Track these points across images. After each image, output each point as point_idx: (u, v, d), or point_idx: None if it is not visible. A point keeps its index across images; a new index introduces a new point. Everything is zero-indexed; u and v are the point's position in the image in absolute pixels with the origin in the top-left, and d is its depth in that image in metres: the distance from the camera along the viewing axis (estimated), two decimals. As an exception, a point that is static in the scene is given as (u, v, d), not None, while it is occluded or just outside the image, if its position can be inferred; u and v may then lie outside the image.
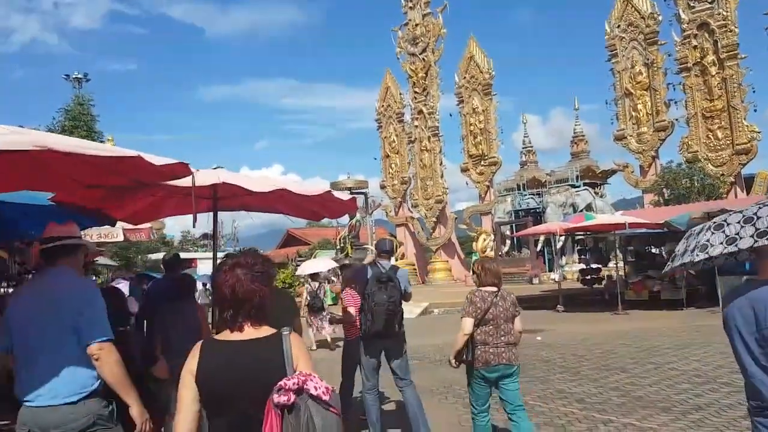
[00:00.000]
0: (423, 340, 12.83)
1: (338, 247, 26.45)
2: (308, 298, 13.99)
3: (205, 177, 4.57)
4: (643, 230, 17.76)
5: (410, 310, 19.08)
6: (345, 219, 32.94)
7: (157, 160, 3.21)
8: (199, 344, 2.33)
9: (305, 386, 2.08)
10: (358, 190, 30.18)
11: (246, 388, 2.18)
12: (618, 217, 16.73)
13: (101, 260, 29.74)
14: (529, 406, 6.82)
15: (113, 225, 5.56)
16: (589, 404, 6.69)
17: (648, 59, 27.20)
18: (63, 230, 3.41)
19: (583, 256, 19.92)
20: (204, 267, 39.84)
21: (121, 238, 8.89)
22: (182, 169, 3.48)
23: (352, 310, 6.37)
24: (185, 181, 4.56)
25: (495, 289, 4.90)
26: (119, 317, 4.04)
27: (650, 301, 17.62)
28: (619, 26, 28.13)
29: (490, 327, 4.79)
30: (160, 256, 42.72)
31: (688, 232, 2.41)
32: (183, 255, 43.02)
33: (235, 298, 2.30)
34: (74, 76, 31.50)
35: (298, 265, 36.15)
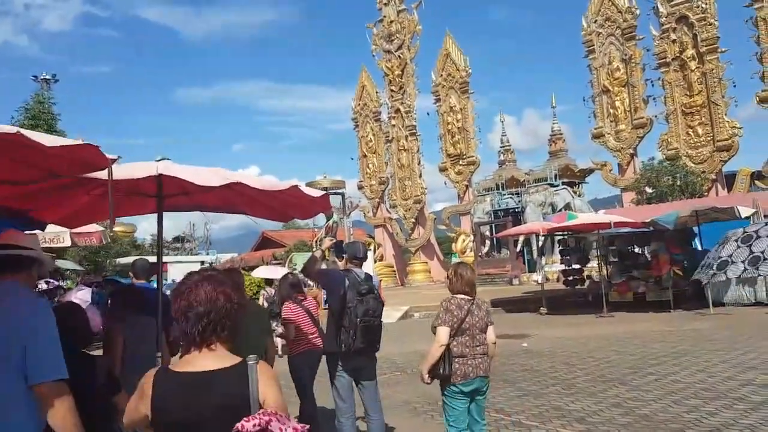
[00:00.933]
0: (404, 347, 12.11)
1: (314, 249, 25.59)
2: (265, 303, 14.07)
3: (140, 169, 3.77)
4: (627, 229, 17.24)
5: (390, 315, 18.34)
6: (322, 220, 32.20)
7: (49, 140, 2.41)
8: (151, 375, 2.04)
9: (269, 428, 1.80)
10: (335, 191, 29.39)
11: (206, 430, 1.94)
12: (602, 216, 16.17)
13: (69, 264, 28.58)
14: (525, 426, 6.12)
15: (42, 229, 4.69)
16: (591, 424, 6.00)
17: (626, 55, 26.86)
18: (18, 238, 2.82)
19: (566, 257, 19.30)
20: (175, 272, 38.83)
21: (68, 243, 7.91)
22: (93, 156, 2.66)
23: (292, 326, 5.94)
24: (125, 173, 3.77)
25: (470, 297, 4.56)
26: (82, 338, 3.30)
27: (635, 302, 17.10)
28: (596, 21, 27.76)
29: (467, 337, 4.46)
30: (130, 260, 41.60)
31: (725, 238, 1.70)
32: (153, 259, 42.00)
33: (205, 314, 2.04)
34: (42, 77, 30.30)
35: (305, 264, 35.40)
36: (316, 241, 25.91)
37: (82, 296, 14.20)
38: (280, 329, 12.86)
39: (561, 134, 32.65)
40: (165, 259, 43.30)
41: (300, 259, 30.52)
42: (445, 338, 4.37)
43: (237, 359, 2.06)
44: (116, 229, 50.60)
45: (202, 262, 42.13)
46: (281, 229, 53.60)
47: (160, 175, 3.74)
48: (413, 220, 34.26)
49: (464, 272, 4.67)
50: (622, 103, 26.99)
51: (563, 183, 28.97)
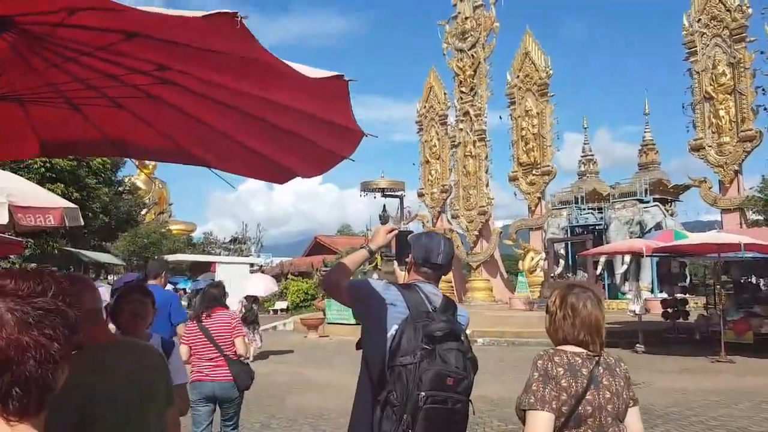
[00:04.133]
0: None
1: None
2: (242, 310, 14.20)
3: None
4: (750, 255, 14.00)
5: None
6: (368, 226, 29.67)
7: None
8: None
9: None
10: (393, 193, 26.86)
11: None
12: (728, 236, 13.01)
13: (105, 258, 27.09)
14: None
15: None
16: None
17: (733, 58, 23.43)
18: None
19: (669, 284, 16.17)
20: (224, 272, 37.21)
21: (3, 220, 5.30)
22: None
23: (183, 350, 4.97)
24: None
25: (592, 352, 2.44)
26: None
27: (756, 344, 13.89)
28: (699, 20, 24.44)
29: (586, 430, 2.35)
30: (181, 258, 40.52)
31: None
32: (204, 258, 40.46)
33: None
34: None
35: (324, 276, 33.34)
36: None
37: (102, 293, 14.58)
38: (257, 338, 13.53)
39: (653, 144, 29.13)
40: (214, 258, 42.08)
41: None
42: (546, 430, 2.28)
43: None
44: (174, 227, 50.10)
45: (252, 264, 40.53)
46: (335, 235, 51.68)
47: None
48: (476, 232, 31.42)
49: (582, 304, 2.48)
50: (727, 113, 23.57)
51: (654, 199, 25.54)
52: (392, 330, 2.46)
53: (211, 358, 5.05)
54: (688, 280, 25.31)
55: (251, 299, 14.89)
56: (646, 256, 14.57)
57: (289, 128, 2.46)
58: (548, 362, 2.35)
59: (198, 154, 2.94)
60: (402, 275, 2.82)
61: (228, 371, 5.04)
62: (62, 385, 1.12)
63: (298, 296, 32.08)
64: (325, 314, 22.48)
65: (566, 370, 2.33)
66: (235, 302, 23.90)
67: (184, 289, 22.13)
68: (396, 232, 2.85)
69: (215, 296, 5.40)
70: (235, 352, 5.17)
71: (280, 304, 32.50)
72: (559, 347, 2.46)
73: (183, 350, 4.96)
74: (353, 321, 21.48)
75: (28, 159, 15.15)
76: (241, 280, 18.52)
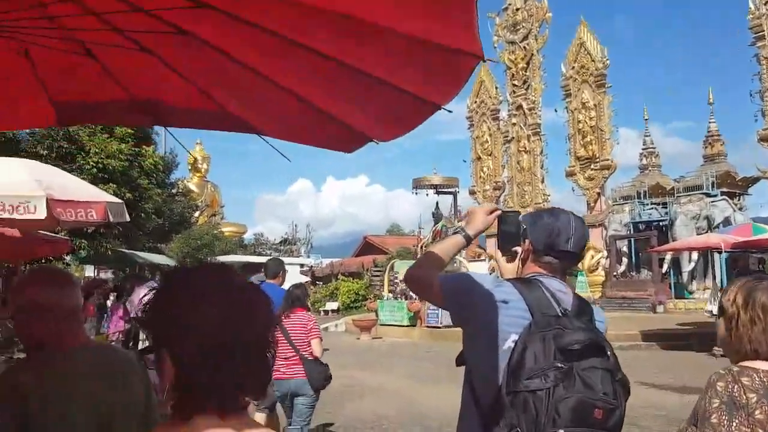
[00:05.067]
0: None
1: (420, 256, 22.46)
2: None
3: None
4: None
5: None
6: (421, 224, 29.05)
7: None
8: None
9: None
10: (447, 189, 26.12)
11: None
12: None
13: (159, 259, 27.23)
14: None
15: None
16: None
17: (809, 41, 21.87)
18: None
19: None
20: (275, 273, 37.18)
21: (42, 214, 4.84)
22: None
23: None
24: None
25: None
26: None
27: None
28: (766, 3, 22.86)
29: None
30: (233, 258, 40.78)
31: None
32: (254, 259, 40.79)
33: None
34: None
35: (375, 276, 33.01)
36: (421, 246, 22.75)
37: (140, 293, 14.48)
38: None
39: (719, 135, 27.51)
40: (265, 259, 42.25)
41: (402, 267, 27.57)
42: None
43: None
44: (226, 229, 50.64)
45: (302, 265, 40.46)
46: (385, 234, 51.23)
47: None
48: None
49: None
50: (802, 99, 22.02)
51: (722, 193, 24.05)
52: (509, 341, 1.82)
53: (287, 357, 5.20)
54: None
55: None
56: (725, 252, 13.50)
57: (369, 69, 1.86)
58: (734, 385, 1.69)
59: (246, 116, 2.38)
60: (509, 269, 2.19)
61: (302, 370, 5.19)
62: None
63: (348, 297, 31.71)
64: (377, 315, 21.96)
65: (761, 396, 1.66)
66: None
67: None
68: (498, 212, 2.20)
69: (298, 296, 5.57)
70: (311, 352, 5.30)
71: (331, 305, 32.19)
72: (745, 364, 1.78)
73: None
74: (406, 322, 20.85)
75: (45, 128, 14.90)
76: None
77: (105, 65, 2.17)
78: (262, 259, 43.48)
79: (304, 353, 5.23)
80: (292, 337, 5.25)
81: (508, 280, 2.04)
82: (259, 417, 5.65)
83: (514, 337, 1.81)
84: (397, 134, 2.26)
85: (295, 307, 5.43)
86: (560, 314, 1.85)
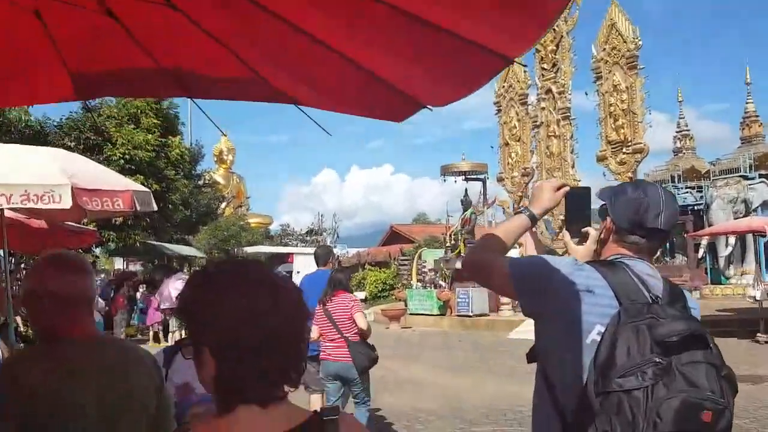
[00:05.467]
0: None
1: (448, 244, 22.07)
2: None
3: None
4: None
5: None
6: (448, 214, 28.61)
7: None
8: None
9: None
10: (476, 176, 25.66)
11: None
12: None
13: (187, 251, 27.30)
14: None
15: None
16: None
17: None
18: None
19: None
20: (301, 262, 37.20)
21: (67, 203, 4.64)
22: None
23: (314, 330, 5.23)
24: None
25: None
26: None
27: None
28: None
29: None
30: (260, 249, 40.85)
31: None
32: (282, 250, 40.85)
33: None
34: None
35: (402, 265, 32.74)
36: (450, 234, 22.35)
37: (180, 286, 14.67)
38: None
39: (756, 116, 26.50)
40: (291, 249, 42.19)
41: (430, 256, 27.21)
42: None
43: None
44: (252, 220, 50.80)
45: (329, 255, 40.33)
46: (411, 223, 50.94)
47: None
48: (561, 217, 29.78)
49: None
50: None
51: (760, 175, 23.22)
52: (594, 333, 1.58)
53: (333, 340, 5.36)
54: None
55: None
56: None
57: (427, 14, 1.57)
58: None
59: (282, 83, 2.11)
60: (580, 252, 1.92)
61: (347, 352, 5.29)
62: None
63: (376, 286, 31.53)
64: (406, 305, 21.73)
65: None
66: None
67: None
68: (567, 188, 1.96)
69: (340, 280, 5.67)
70: (356, 333, 5.38)
71: (359, 295, 32.04)
72: None
73: (313, 330, 5.27)
74: (436, 311, 20.56)
75: (62, 101, 14.96)
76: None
77: (126, 26, 1.90)
78: (290, 250, 43.71)
79: (347, 335, 5.34)
80: (336, 320, 5.37)
81: (589, 263, 1.77)
82: (315, 398, 5.85)
83: (600, 328, 1.58)
84: (453, 97, 1.96)
85: (337, 290, 5.52)
86: (651, 301, 1.61)
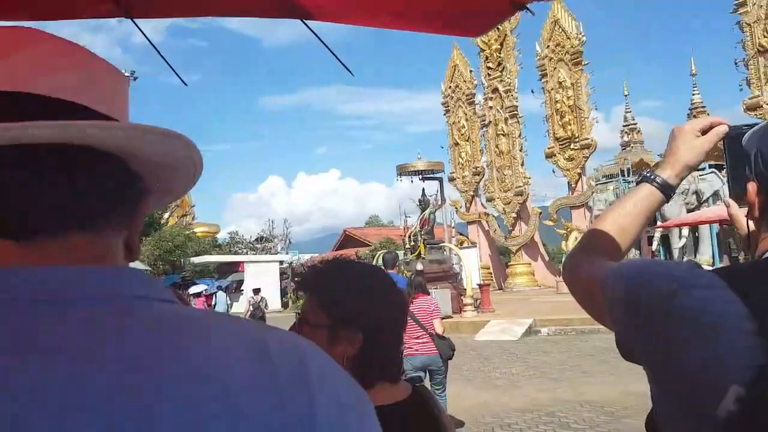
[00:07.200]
0: (560, 391, 7.98)
1: (407, 246, 21.51)
2: (251, 309, 15.50)
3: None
4: None
5: (510, 330, 14.22)
6: (400, 216, 28.19)
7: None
8: None
9: None
10: (432, 175, 25.23)
11: None
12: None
13: (134, 265, 25.90)
14: None
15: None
16: None
17: (791, 6, 21.55)
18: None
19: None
20: (253, 271, 36.03)
21: None
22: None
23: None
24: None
25: None
26: None
27: None
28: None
29: None
30: (207, 259, 39.34)
31: None
32: (232, 258, 39.41)
33: None
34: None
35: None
36: (409, 236, 21.80)
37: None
38: None
39: (703, 107, 27.07)
40: (241, 258, 40.95)
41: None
42: None
43: None
44: (199, 229, 49.16)
45: (281, 262, 39.30)
46: (364, 226, 50.39)
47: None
48: (514, 215, 29.81)
49: None
50: (787, 66, 21.71)
51: (710, 166, 23.66)
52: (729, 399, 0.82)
53: (417, 336, 5.95)
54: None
55: (258, 299, 16.10)
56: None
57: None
58: None
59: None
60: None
61: (433, 345, 5.98)
62: None
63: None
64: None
65: None
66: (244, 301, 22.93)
67: (201, 293, 19.41)
68: (723, 128, 1.16)
69: (420, 283, 6.54)
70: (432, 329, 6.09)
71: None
72: None
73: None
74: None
75: (107, 17, 13.76)
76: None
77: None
78: (240, 258, 42.15)
79: (430, 331, 6.02)
80: (420, 319, 6.01)
81: (731, 269, 1.00)
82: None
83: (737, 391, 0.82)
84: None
85: (418, 292, 6.33)
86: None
